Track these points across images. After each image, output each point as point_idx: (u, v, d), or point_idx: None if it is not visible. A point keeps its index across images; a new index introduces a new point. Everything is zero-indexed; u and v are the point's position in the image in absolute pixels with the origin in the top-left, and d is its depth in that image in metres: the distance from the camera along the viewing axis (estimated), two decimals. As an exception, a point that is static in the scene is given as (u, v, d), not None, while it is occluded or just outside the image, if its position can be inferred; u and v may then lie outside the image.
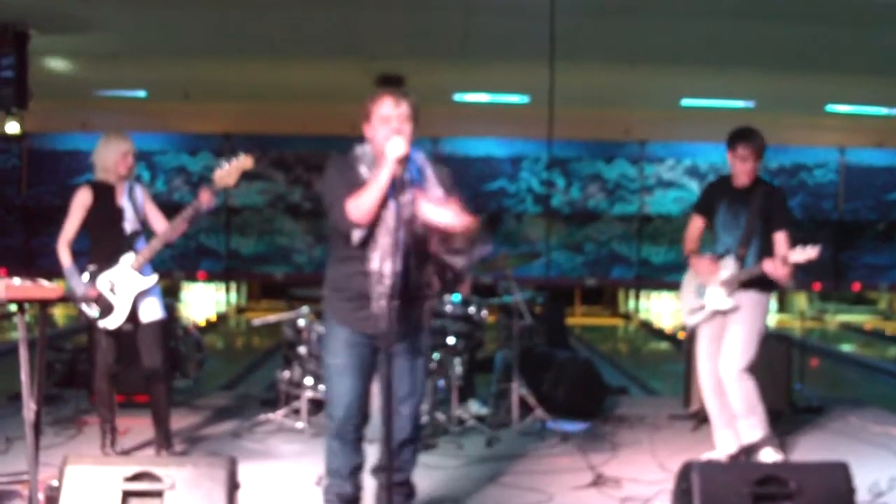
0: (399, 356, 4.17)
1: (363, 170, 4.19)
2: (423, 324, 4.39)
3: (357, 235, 4.09)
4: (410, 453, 4.44)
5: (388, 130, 4.07)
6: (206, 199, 5.48)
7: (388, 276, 4.00)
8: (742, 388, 5.60)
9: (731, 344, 5.66)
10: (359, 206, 4.00)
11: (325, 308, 4.41)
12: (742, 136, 5.72)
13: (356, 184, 4.09)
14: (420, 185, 4.17)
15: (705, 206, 5.95)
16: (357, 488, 4.41)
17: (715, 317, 5.79)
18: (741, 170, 5.70)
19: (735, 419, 5.71)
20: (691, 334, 6.18)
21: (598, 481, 5.39)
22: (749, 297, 5.69)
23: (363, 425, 4.39)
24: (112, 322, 5.58)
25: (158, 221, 5.81)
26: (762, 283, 5.65)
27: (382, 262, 4.03)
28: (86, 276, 5.58)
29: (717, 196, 5.88)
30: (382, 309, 3.93)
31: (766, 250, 5.62)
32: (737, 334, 5.66)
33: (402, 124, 4.11)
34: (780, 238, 5.61)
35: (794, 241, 5.50)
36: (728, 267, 5.71)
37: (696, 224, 5.97)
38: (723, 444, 5.82)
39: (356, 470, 4.39)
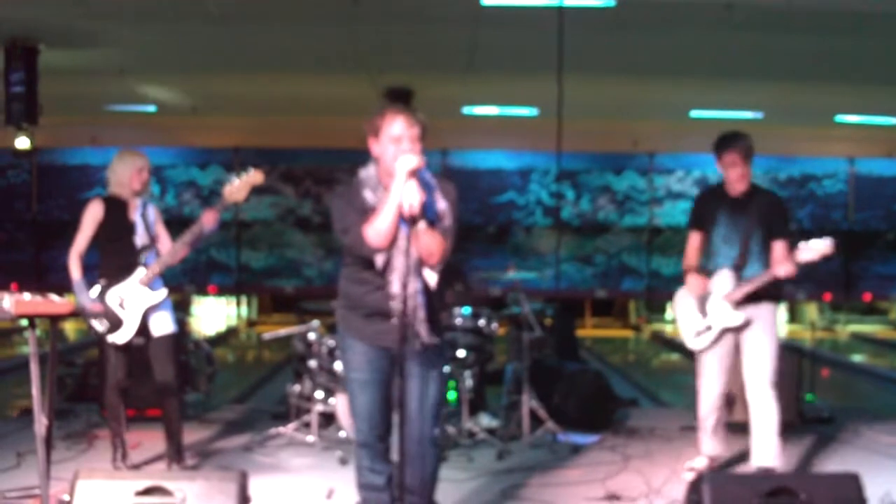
0: (417, 371, 4.16)
1: (367, 194, 4.11)
2: (441, 339, 4.33)
3: (381, 260, 4.03)
4: (431, 473, 4.35)
5: (398, 151, 3.98)
6: (209, 220, 5.50)
7: (412, 295, 3.97)
8: (777, 404, 5.40)
9: (759, 360, 5.43)
10: (377, 230, 3.93)
11: (340, 324, 4.36)
12: (725, 141, 5.51)
13: (363, 209, 4.04)
14: (427, 191, 4.06)
15: (700, 219, 5.71)
16: (393, 499, 4.31)
17: (724, 335, 5.55)
18: (733, 177, 5.48)
19: (720, 428, 5.71)
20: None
21: (610, 494, 5.37)
22: (763, 309, 5.47)
23: (388, 435, 4.32)
24: (121, 337, 5.60)
25: (166, 245, 5.81)
26: (771, 293, 5.45)
27: (403, 283, 3.90)
28: (95, 291, 5.60)
29: (712, 207, 5.63)
30: (405, 327, 3.88)
31: (768, 260, 5.42)
32: (763, 349, 5.44)
33: (413, 145, 4.02)
34: (777, 246, 5.40)
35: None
36: (725, 279, 5.50)
37: (695, 240, 5.74)
38: (708, 450, 5.75)
39: (389, 480, 4.31)
